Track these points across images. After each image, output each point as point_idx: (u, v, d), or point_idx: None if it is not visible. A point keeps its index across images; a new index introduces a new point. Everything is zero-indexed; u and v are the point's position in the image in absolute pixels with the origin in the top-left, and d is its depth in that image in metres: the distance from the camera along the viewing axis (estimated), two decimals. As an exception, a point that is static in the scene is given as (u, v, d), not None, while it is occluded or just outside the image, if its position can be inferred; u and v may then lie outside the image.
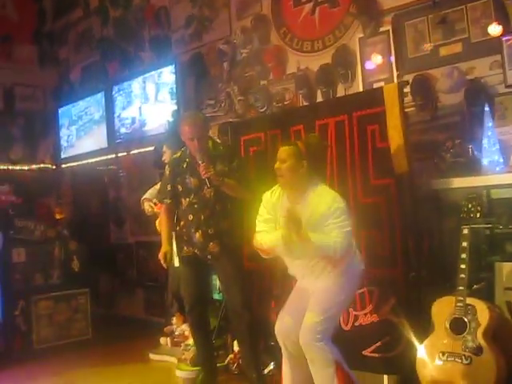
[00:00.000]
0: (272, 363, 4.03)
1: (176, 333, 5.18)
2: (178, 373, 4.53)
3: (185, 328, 5.10)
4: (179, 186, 3.85)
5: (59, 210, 6.71)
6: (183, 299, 4.09)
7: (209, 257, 3.81)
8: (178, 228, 3.95)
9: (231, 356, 4.35)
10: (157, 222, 4.61)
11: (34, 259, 5.62)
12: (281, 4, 4.98)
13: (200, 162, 3.64)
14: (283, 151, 3.21)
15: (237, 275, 3.81)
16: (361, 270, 3.28)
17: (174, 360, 4.83)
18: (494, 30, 3.65)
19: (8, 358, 5.08)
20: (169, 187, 3.90)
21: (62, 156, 7.67)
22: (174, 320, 5.25)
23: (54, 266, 5.75)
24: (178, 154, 3.97)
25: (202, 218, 3.77)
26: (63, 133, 7.65)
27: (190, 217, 3.81)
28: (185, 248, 3.88)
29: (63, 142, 7.65)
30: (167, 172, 3.96)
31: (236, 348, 4.31)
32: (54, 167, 7.79)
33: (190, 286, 3.94)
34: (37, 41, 7.95)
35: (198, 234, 3.78)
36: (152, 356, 5.06)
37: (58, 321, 5.58)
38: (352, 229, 3.09)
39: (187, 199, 3.82)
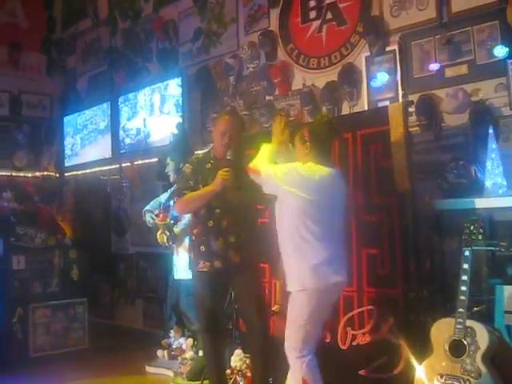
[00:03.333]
0: (270, 379, 3.98)
1: (173, 346, 5.15)
2: (174, 386, 4.51)
3: (182, 341, 5.09)
4: (200, 186, 3.55)
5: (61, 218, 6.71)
6: (198, 317, 3.83)
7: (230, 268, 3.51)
8: (193, 237, 3.64)
9: (228, 371, 4.31)
10: (158, 233, 4.61)
11: (34, 267, 5.61)
12: (288, 20, 5.00)
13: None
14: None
15: (255, 290, 3.58)
16: (330, 285, 3.13)
17: (170, 373, 4.80)
18: (500, 52, 3.65)
19: (3, 365, 5.03)
20: (191, 183, 3.58)
21: (66, 164, 7.69)
22: (172, 333, 5.23)
23: (54, 274, 5.74)
24: (200, 155, 3.83)
25: (225, 224, 3.49)
26: (68, 141, 7.67)
27: (210, 223, 3.50)
28: (201, 263, 3.53)
29: (67, 151, 7.67)
30: (188, 170, 3.65)
31: (233, 364, 4.28)
32: (58, 175, 7.82)
33: (205, 306, 3.60)
34: (45, 49, 8.01)
35: (218, 243, 3.48)
36: (148, 368, 5.03)
37: (54, 329, 5.55)
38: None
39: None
